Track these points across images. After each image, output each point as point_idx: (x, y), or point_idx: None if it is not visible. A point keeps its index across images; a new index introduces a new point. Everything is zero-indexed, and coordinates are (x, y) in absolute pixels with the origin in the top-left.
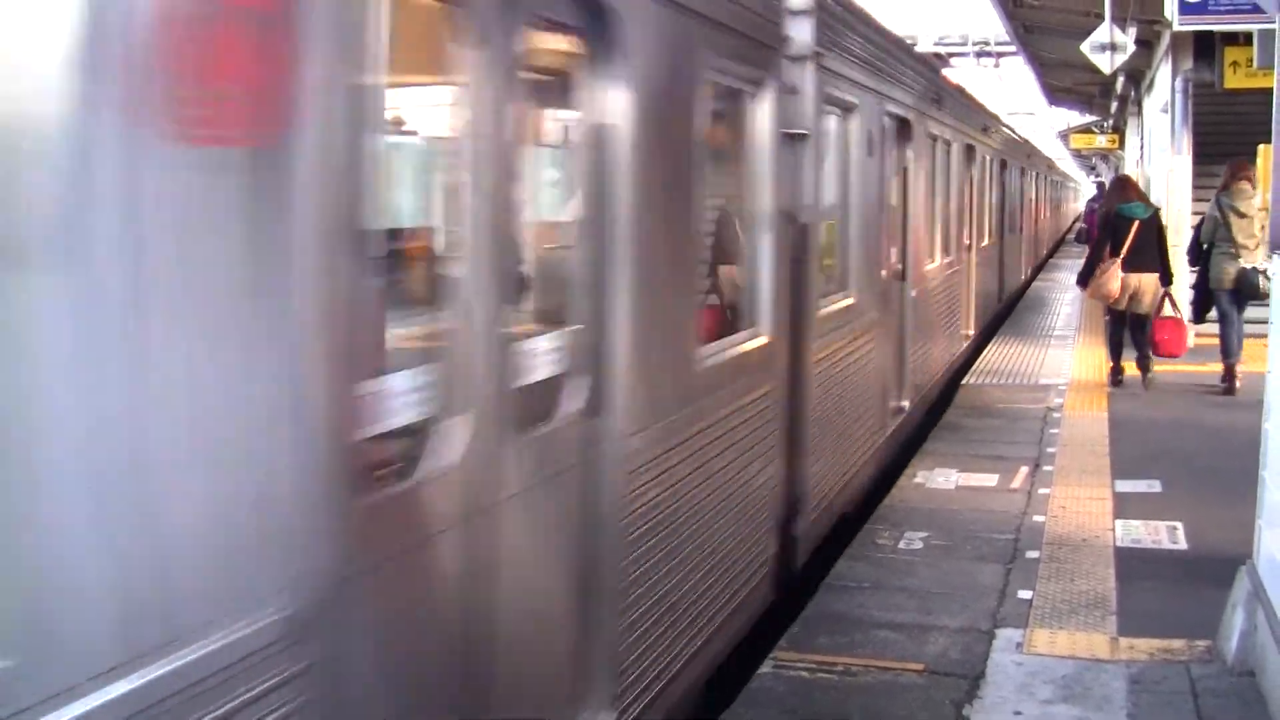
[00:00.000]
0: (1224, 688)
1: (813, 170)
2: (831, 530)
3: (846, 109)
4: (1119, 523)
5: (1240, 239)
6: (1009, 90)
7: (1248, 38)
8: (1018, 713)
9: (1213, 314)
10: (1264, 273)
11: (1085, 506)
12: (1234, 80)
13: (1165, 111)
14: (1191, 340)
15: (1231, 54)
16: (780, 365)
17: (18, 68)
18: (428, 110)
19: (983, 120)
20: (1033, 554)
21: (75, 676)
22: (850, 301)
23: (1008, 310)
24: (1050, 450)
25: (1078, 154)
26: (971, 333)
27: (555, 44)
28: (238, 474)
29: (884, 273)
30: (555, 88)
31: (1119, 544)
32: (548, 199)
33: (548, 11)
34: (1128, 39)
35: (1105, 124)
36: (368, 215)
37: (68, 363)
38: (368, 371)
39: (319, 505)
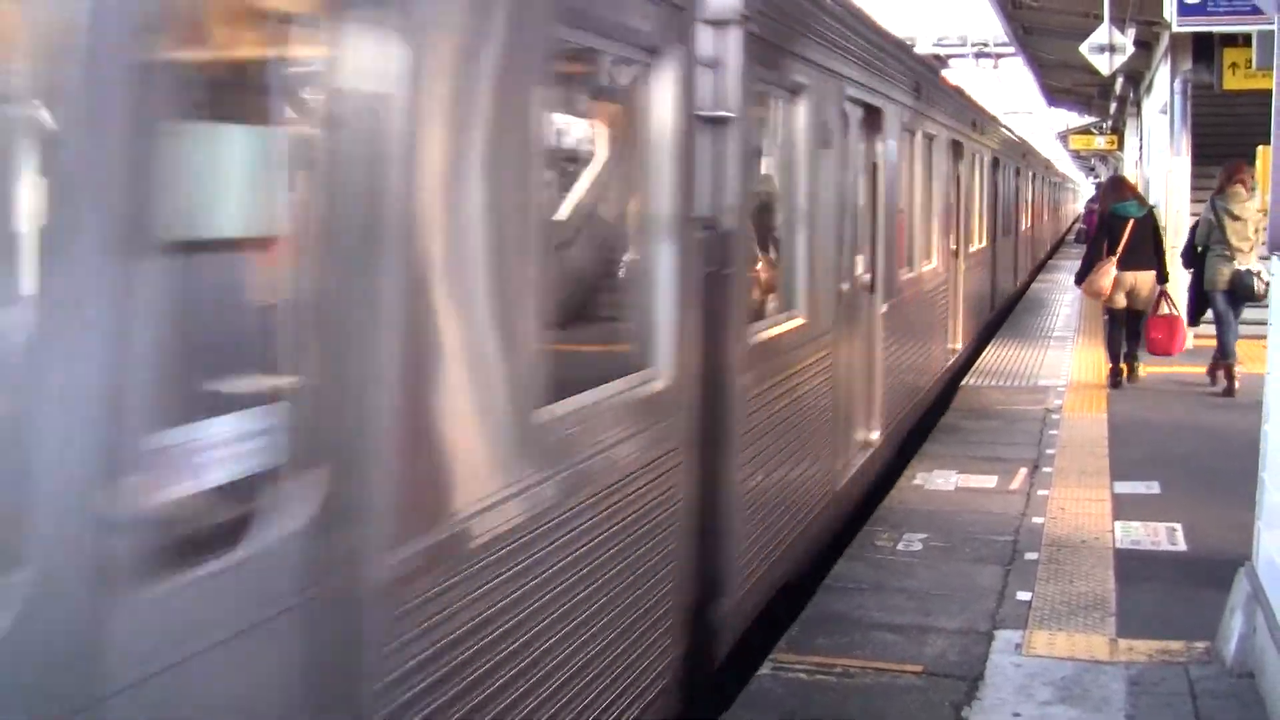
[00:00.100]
0: (1223, 689)
1: (740, 164)
2: (768, 606)
3: (792, 90)
4: (1118, 524)
5: (1235, 241)
6: (1007, 90)
7: (1247, 39)
8: (1016, 714)
9: (1208, 316)
10: (1258, 275)
11: (1084, 508)
12: (1233, 82)
13: (1164, 113)
14: (1190, 342)
15: (1230, 55)
16: (686, 415)
17: None
18: None
19: (971, 115)
20: (1032, 555)
21: None
22: (798, 323)
23: (1001, 318)
24: (1049, 452)
25: (1076, 155)
26: (959, 346)
27: None
28: None
29: (847, 285)
30: (268, 34)
31: (1118, 545)
32: (240, 199)
33: None
34: (1126, 40)
35: (1104, 125)
36: None
37: None
38: None
39: None
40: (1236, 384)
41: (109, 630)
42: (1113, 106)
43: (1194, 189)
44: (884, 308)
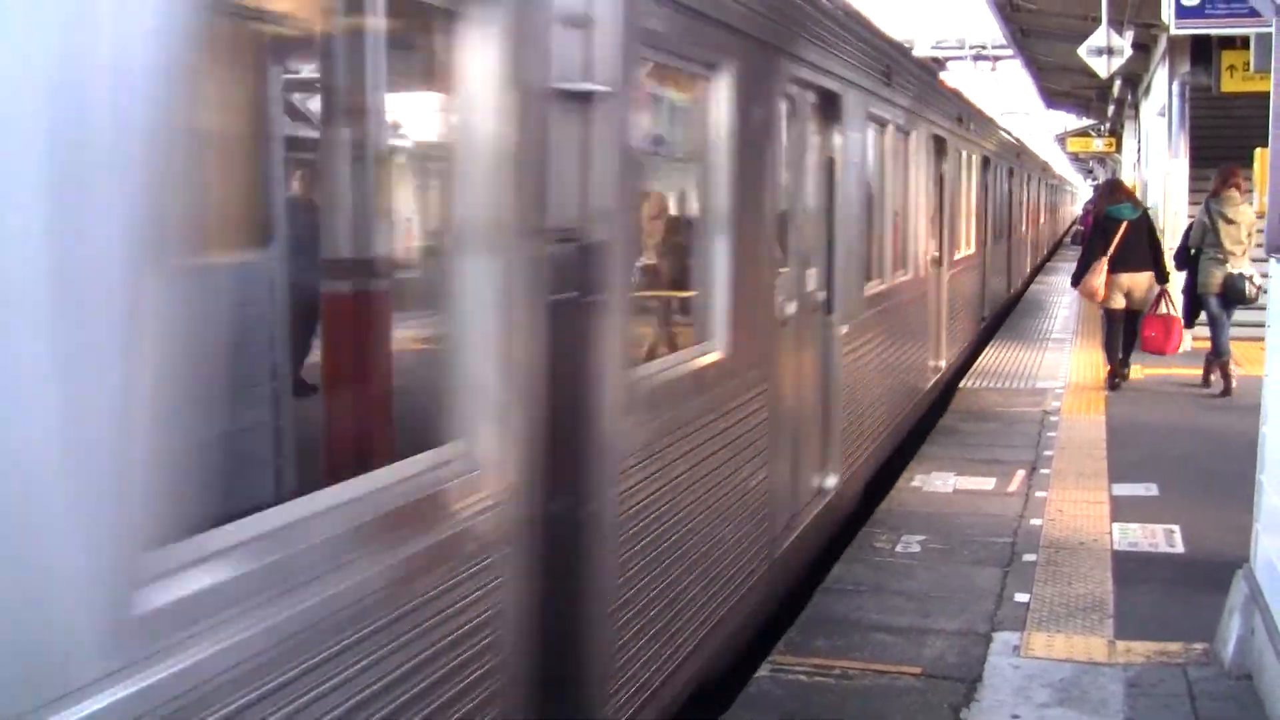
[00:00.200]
0: (1221, 691)
1: (620, 156)
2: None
3: (709, 65)
4: (1116, 526)
5: (1228, 245)
6: (1005, 92)
7: (1245, 42)
8: (1015, 716)
9: (1203, 318)
10: (1250, 278)
11: (1082, 510)
12: (1231, 84)
13: (1162, 115)
14: (1189, 344)
15: (1229, 58)
16: (514, 511)
17: None
18: None
19: (957, 109)
20: (1030, 557)
21: None
22: (713, 358)
23: (995, 326)
24: (1047, 453)
25: (1075, 157)
26: (943, 364)
27: None
28: None
29: (793, 306)
30: None
31: (1116, 547)
32: None
33: None
34: (1124, 43)
35: (1102, 128)
36: None
37: None
38: None
39: None
40: (1234, 382)
41: None
42: (1110, 109)
43: (1192, 191)
44: (844, 329)
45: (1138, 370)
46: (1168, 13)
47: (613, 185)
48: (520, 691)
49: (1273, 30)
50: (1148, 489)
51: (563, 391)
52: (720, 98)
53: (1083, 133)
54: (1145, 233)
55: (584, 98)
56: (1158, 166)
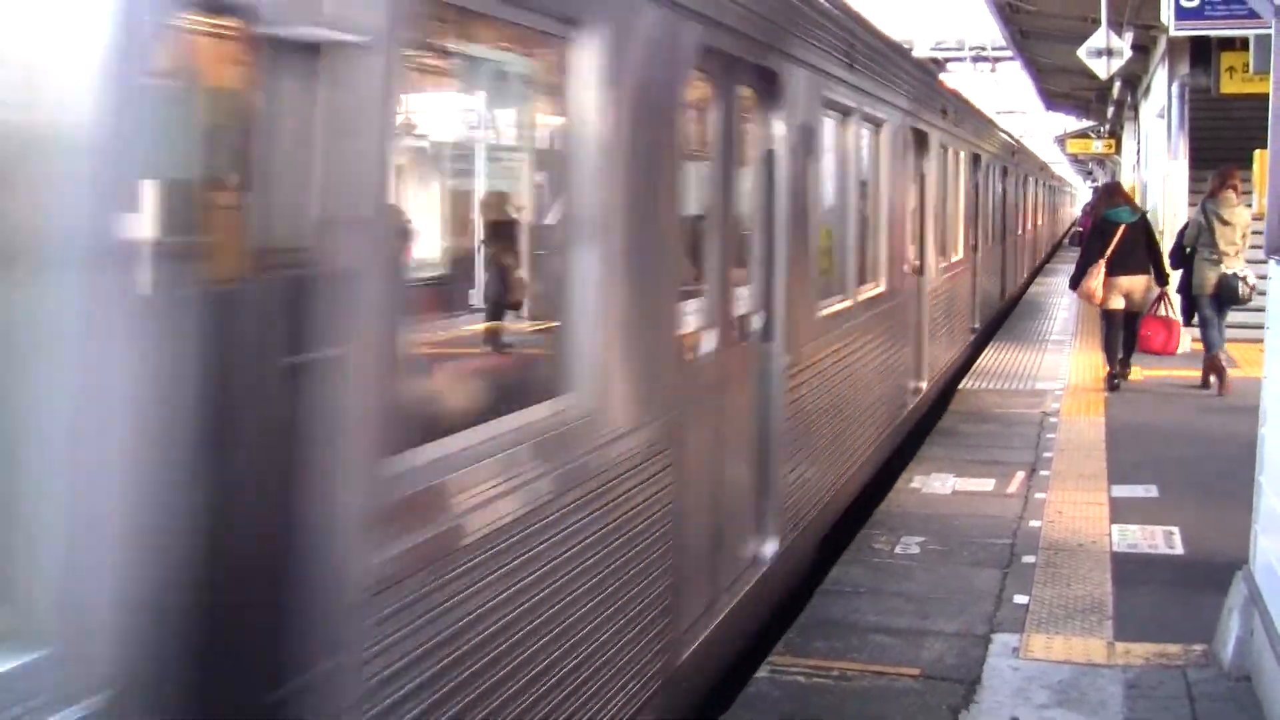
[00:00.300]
0: (1220, 692)
1: (376, 134)
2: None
3: (563, 21)
4: (1115, 527)
5: (1222, 245)
6: (1005, 94)
7: (1244, 43)
8: (1014, 718)
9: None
10: (1244, 278)
11: (1082, 511)
12: (1230, 85)
13: (1162, 117)
14: (1188, 345)
15: (1228, 59)
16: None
17: None
18: None
19: (941, 101)
20: (1029, 559)
21: None
22: (572, 416)
23: (988, 334)
24: (1047, 455)
25: (1074, 159)
26: (924, 385)
27: None
28: None
29: (709, 337)
30: None
31: (1115, 549)
32: None
33: None
34: (1124, 44)
35: (1102, 129)
36: None
37: None
38: None
39: None
40: (1227, 377)
41: None
42: (1110, 111)
43: (1191, 193)
44: (788, 360)
45: (1137, 371)
46: (1167, 14)
47: (363, 185)
48: None
49: (1272, 32)
50: (1147, 490)
51: (253, 502)
52: (586, 67)
53: (1082, 134)
54: (1143, 235)
55: (309, 52)
56: (1157, 168)
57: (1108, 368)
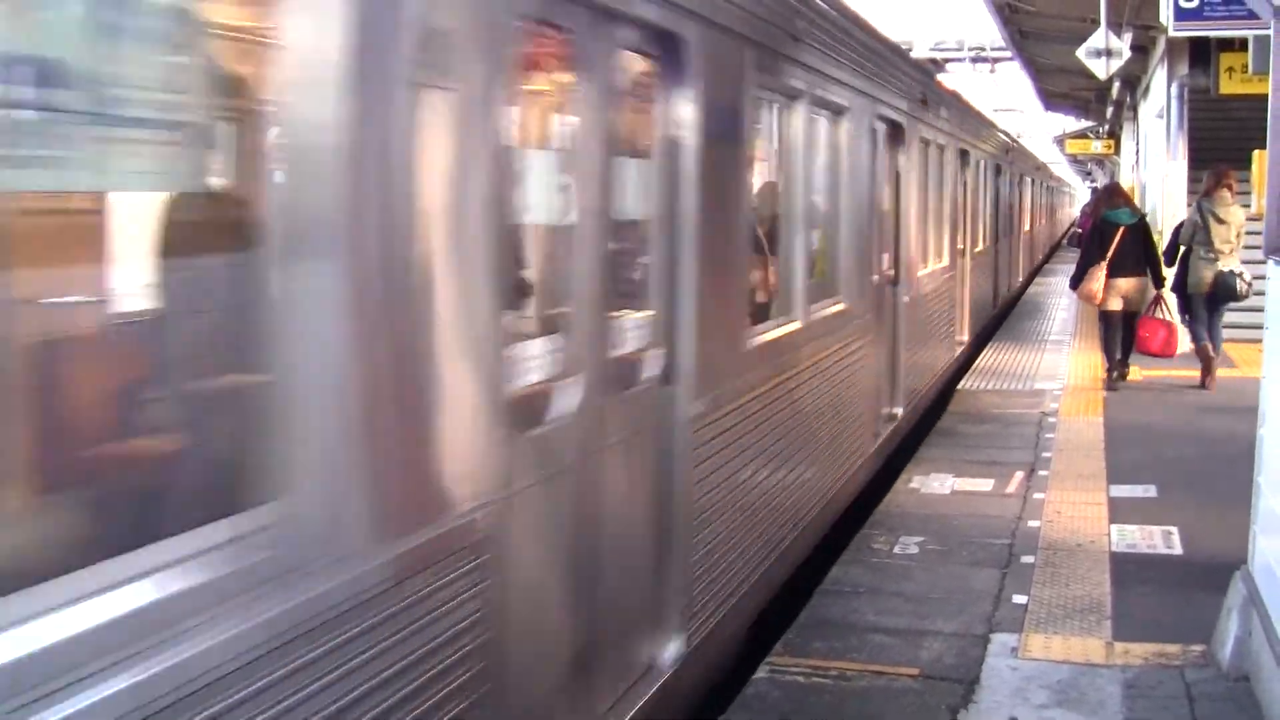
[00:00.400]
0: (1219, 693)
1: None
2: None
3: None
4: (1114, 527)
5: (1217, 244)
6: (1003, 93)
7: (1243, 44)
8: (1013, 718)
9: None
10: (1240, 275)
11: (1080, 511)
12: (1229, 86)
13: (1161, 117)
14: (1187, 346)
15: (1227, 60)
16: None
17: None
18: None
19: (921, 90)
20: (1028, 559)
21: None
22: (275, 540)
23: (979, 346)
24: (1045, 455)
25: (1073, 159)
26: (899, 410)
27: None
28: None
29: (572, 390)
30: None
31: (1114, 549)
32: None
33: None
34: (1123, 45)
35: (1101, 130)
36: None
37: None
38: None
39: None
40: (1214, 369)
41: None
42: (1109, 111)
43: (1190, 194)
44: (697, 409)
45: (1136, 372)
46: (1166, 15)
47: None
48: None
49: (1271, 32)
50: (1146, 490)
51: None
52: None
53: (1081, 134)
54: (1142, 237)
55: None
56: (1156, 168)
57: (1106, 368)
